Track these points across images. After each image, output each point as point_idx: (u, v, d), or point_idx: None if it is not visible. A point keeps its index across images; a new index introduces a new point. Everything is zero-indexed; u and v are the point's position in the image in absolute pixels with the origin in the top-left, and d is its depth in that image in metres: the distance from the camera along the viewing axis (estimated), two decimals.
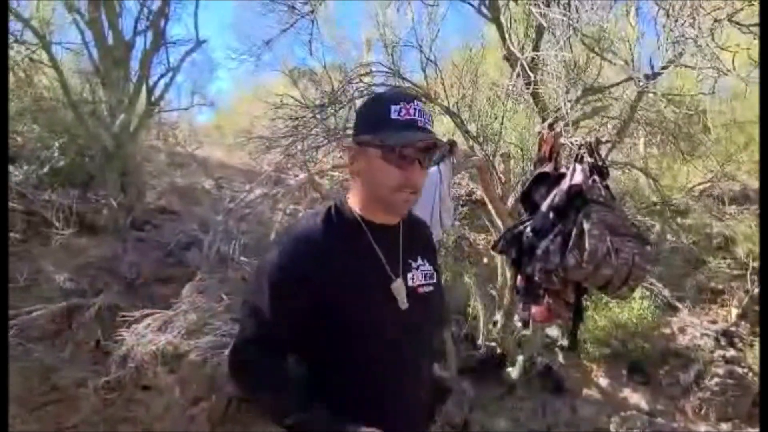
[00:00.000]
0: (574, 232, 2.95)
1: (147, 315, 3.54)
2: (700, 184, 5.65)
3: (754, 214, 7.21)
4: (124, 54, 5.39)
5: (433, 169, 2.89)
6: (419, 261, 1.45)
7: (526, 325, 5.09)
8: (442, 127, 5.68)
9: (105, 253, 4.76)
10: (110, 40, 5.33)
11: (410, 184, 1.31)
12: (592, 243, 2.88)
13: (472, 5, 3.95)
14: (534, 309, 3.39)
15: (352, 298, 1.32)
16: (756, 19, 2.47)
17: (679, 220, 7.03)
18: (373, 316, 1.34)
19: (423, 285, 1.43)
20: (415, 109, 1.30)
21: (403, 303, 1.36)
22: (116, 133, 4.93)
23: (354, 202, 1.39)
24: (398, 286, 1.37)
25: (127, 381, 3.92)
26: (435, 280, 1.48)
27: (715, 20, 2.36)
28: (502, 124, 4.53)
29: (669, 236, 7.03)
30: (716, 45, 2.35)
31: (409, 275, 1.41)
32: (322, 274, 1.29)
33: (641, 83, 2.82)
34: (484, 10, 3.85)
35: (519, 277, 3.41)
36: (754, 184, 6.89)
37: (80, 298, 4.30)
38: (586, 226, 2.94)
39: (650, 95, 3.18)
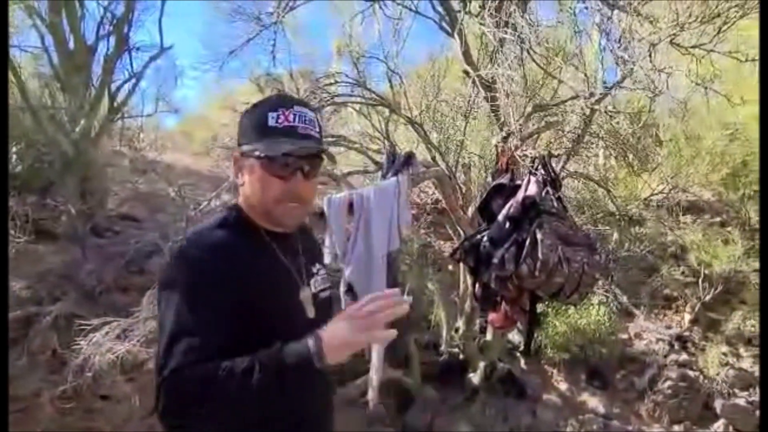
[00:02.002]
0: (528, 241, 3.07)
1: (105, 323, 3.50)
2: (652, 195, 5.89)
3: (707, 223, 7.54)
4: (86, 59, 5.31)
5: (392, 180, 2.97)
6: (317, 266, 1.45)
7: (483, 330, 5.23)
8: (406, 137, 5.79)
9: (64, 261, 4.67)
10: (71, 45, 5.25)
11: (293, 195, 1.27)
12: (544, 252, 3.00)
13: (434, 21, 4.07)
14: (492, 315, 3.50)
15: (266, 306, 1.25)
16: (695, 41, 2.65)
17: (637, 228, 7.30)
18: (285, 325, 1.25)
19: (323, 290, 1.42)
20: (294, 114, 1.25)
21: (311, 311, 1.34)
22: (76, 138, 4.86)
23: (248, 212, 1.33)
24: (307, 295, 1.34)
25: (85, 390, 3.86)
26: (329, 284, 1.47)
27: (652, 44, 2.52)
28: (464, 135, 4.64)
29: (627, 245, 7.29)
30: (653, 67, 2.51)
31: (312, 281, 1.40)
32: (237, 279, 1.21)
33: (587, 100, 2.98)
34: (445, 25, 3.97)
35: (477, 285, 3.52)
36: (705, 194, 7.21)
37: (37, 306, 4.22)
38: (539, 236, 3.06)
39: (603, 110, 3.33)
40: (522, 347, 6.34)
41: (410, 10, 4.15)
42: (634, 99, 5.04)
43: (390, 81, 4.94)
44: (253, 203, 1.31)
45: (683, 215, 7.43)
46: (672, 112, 5.08)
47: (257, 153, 1.24)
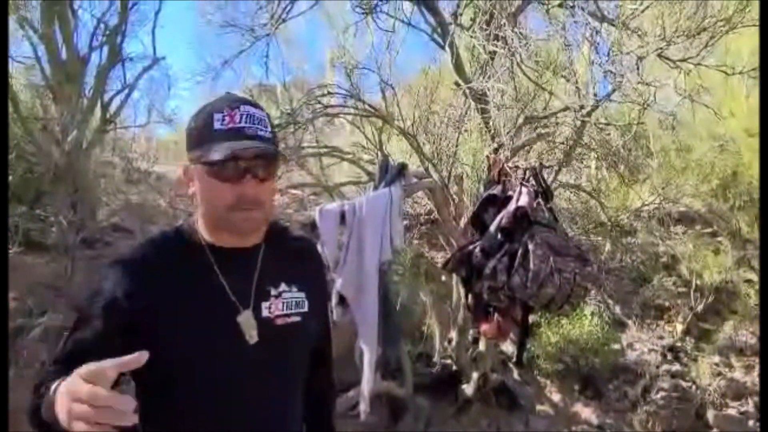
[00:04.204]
0: (520, 252, 3.08)
1: None
2: (644, 206, 5.94)
3: (698, 234, 7.60)
4: (78, 69, 5.31)
5: (384, 190, 2.98)
6: (283, 287, 1.28)
7: (476, 341, 5.22)
8: (400, 148, 5.81)
9: (53, 272, 4.63)
10: (64, 55, 5.24)
11: (246, 200, 1.17)
12: (535, 263, 3.02)
13: (426, 33, 4.11)
14: (484, 326, 3.50)
15: (179, 330, 1.15)
16: (681, 55, 2.69)
17: (629, 239, 7.34)
18: (202, 352, 1.17)
19: (284, 315, 1.26)
20: (241, 114, 1.16)
21: (252, 337, 1.20)
22: (68, 149, 4.83)
23: (201, 226, 1.25)
24: (245, 319, 1.20)
25: None
26: (305, 309, 1.30)
27: (639, 57, 2.56)
28: (457, 146, 4.67)
29: (619, 255, 7.33)
30: (640, 80, 2.55)
31: (265, 304, 1.24)
32: (139, 301, 1.13)
33: (578, 112, 3.01)
34: (437, 38, 4.00)
35: (470, 296, 3.53)
36: (696, 205, 7.27)
37: (26, 318, 4.17)
38: (530, 246, 3.07)
39: (593, 122, 3.36)
40: (515, 358, 6.35)
41: (403, 22, 4.19)
42: (627, 110, 5.10)
43: (383, 92, 4.97)
44: (204, 213, 1.22)
45: (675, 226, 7.49)
46: (662, 124, 5.13)
47: (204, 158, 1.15)
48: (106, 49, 5.54)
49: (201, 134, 1.17)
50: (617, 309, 7.32)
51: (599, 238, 6.79)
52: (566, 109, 3.07)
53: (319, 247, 2.89)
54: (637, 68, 2.58)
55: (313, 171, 5.77)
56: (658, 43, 2.55)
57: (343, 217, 2.87)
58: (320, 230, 2.84)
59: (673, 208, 6.92)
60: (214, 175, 1.16)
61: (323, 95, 4.24)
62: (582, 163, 4.91)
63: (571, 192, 5.70)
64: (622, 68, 2.58)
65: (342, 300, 2.83)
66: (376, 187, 3.15)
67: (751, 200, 6.69)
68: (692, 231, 7.57)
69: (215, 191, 1.17)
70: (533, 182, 3.27)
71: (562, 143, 3.89)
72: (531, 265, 3.01)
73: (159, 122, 7.27)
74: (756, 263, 6.93)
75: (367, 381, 2.76)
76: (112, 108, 5.62)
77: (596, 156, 4.50)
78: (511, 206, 3.20)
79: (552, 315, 5.32)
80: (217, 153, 1.12)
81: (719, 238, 7.32)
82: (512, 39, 2.70)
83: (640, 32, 2.71)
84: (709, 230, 7.72)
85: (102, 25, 5.51)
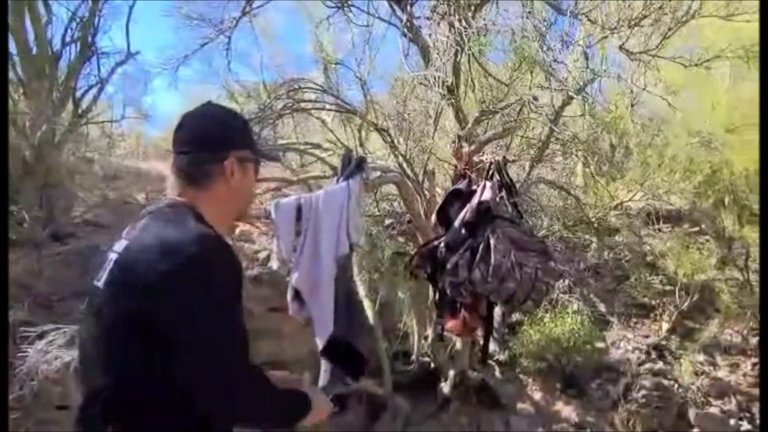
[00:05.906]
0: (481, 246, 3.04)
1: (54, 330, 3.40)
2: (621, 203, 5.88)
3: (685, 231, 7.54)
4: (49, 64, 5.24)
5: (342, 184, 2.92)
6: None
7: (440, 338, 5.17)
8: (381, 144, 5.76)
9: (24, 269, 4.58)
10: (35, 50, 5.18)
11: None
12: (497, 258, 2.97)
13: (396, 27, 4.05)
14: (450, 323, 3.45)
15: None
16: (642, 48, 2.65)
17: (615, 237, 7.28)
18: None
19: None
20: None
21: None
22: (37, 144, 4.78)
23: (209, 218, 1.28)
24: None
25: (40, 399, 3.77)
26: None
27: (587, 46, 2.52)
28: (432, 139, 4.62)
29: (605, 253, 7.27)
30: (585, 69, 2.51)
31: None
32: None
33: (531, 104, 2.96)
34: (408, 32, 3.95)
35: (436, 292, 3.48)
36: (679, 203, 7.21)
37: None
38: (492, 241, 3.03)
39: (545, 113, 3.32)
40: (500, 356, 6.31)
41: (373, 16, 4.13)
42: (614, 106, 5.02)
43: (362, 88, 4.93)
44: (236, 204, 1.38)
45: (662, 224, 7.42)
46: (641, 119, 5.07)
47: (262, 158, 1.45)
48: (79, 44, 5.47)
49: (249, 137, 1.44)
50: (602, 307, 7.27)
51: (585, 236, 6.75)
52: (521, 100, 3.02)
53: (274, 242, 2.84)
54: (586, 57, 2.54)
55: (293, 165, 5.73)
56: (601, 32, 2.50)
57: (299, 210, 2.81)
58: (276, 224, 2.78)
59: (658, 205, 6.86)
60: (256, 173, 1.43)
61: (293, 90, 4.18)
62: (564, 159, 4.85)
63: (553, 188, 5.65)
64: (560, 58, 2.54)
65: (297, 295, 2.77)
66: (337, 181, 3.09)
67: (735, 198, 6.64)
68: (679, 229, 7.50)
69: (253, 186, 1.46)
70: (497, 176, 3.22)
71: (532, 138, 3.84)
72: (492, 260, 2.97)
73: (134, 117, 7.20)
74: (740, 261, 6.88)
75: (321, 380, 2.69)
76: (85, 103, 5.56)
77: (565, 152, 4.45)
78: (475, 200, 3.16)
79: (516, 311, 5.28)
80: (272, 155, 1.53)
81: (705, 237, 7.26)
82: (460, 30, 2.64)
83: (591, 20, 2.66)
84: (695, 228, 7.66)
85: (77, 19, 5.43)
